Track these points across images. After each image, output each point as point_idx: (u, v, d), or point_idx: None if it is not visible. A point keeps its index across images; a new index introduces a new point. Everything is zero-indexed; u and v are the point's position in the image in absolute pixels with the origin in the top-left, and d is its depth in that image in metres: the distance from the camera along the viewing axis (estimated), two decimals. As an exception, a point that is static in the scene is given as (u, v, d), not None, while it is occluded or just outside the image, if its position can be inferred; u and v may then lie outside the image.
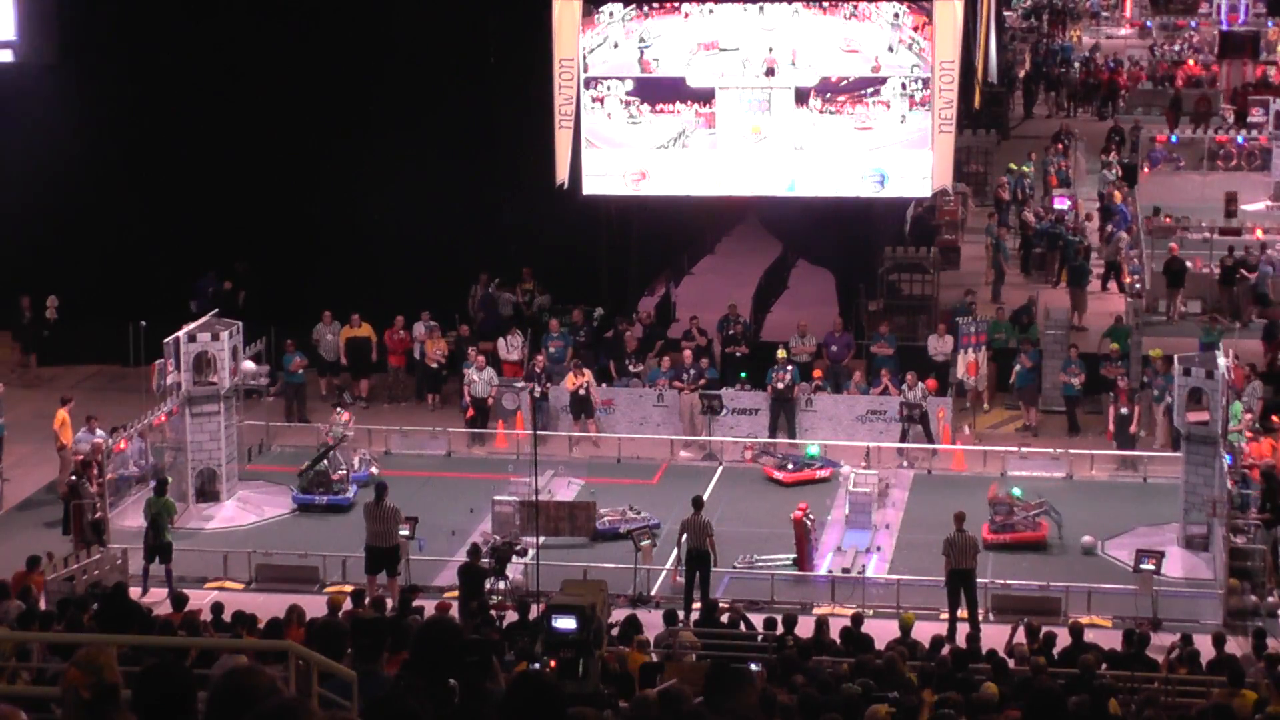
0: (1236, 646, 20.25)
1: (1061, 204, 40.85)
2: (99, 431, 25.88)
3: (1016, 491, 25.38)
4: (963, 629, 21.57)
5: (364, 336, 31.71)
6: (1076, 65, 61.71)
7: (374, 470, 27.54)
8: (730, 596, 22.58)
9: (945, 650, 18.56)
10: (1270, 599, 22.79)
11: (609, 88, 31.25)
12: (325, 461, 26.90)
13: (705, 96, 31.06)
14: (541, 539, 22.82)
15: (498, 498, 25.17)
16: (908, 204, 37.00)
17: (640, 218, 33.63)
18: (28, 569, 21.75)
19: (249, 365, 27.83)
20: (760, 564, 24.07)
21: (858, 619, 20.17)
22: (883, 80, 30.55)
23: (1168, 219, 39.36)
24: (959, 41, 30.93)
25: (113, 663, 6.14)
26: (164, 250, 33.81)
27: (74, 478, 24.64)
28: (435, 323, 31.77)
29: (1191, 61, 61.88)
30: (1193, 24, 72.27)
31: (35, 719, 10.70)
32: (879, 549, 24.93)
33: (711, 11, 31.01)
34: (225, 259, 33.49)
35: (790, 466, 27.81)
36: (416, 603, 20.14)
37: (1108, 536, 25.36)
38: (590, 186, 31.57)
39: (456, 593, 22.12)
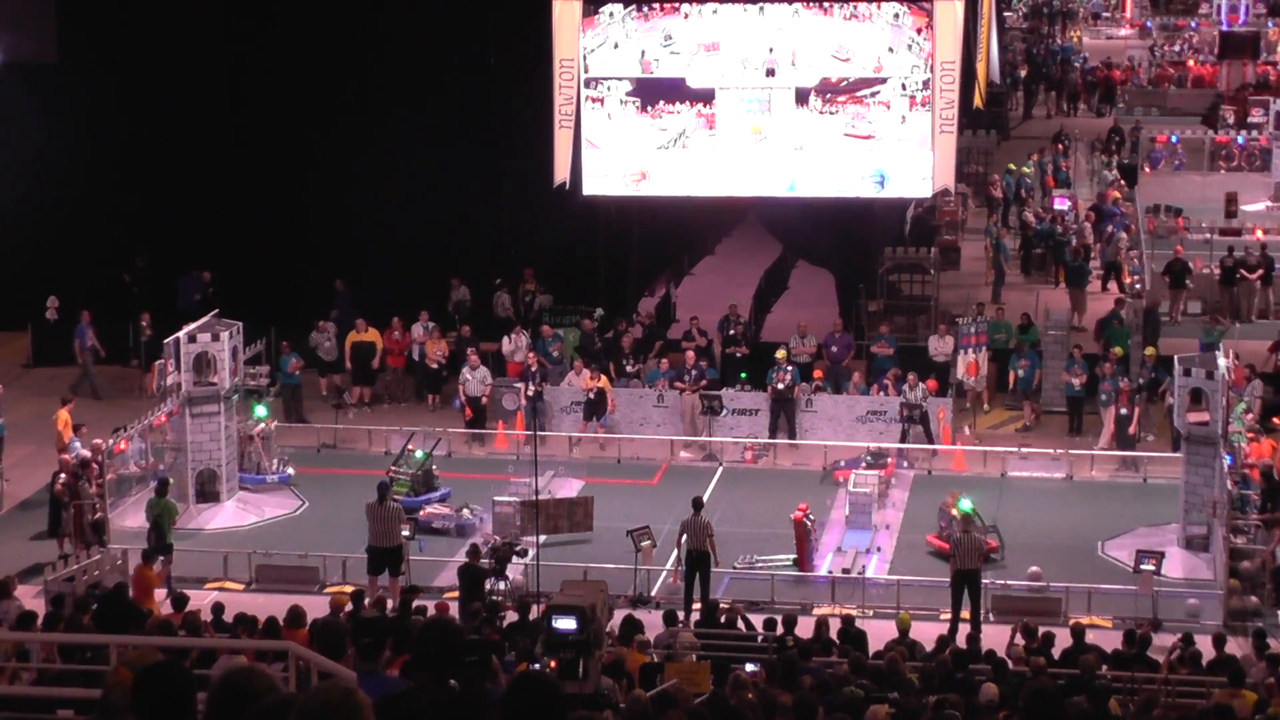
0: (1237, 647, 20.26)
1: (1062, 204, 40.88)
2: (78, 444, 25.78)
3: (966, 507, 24.44)
4: (963, 630, 21.55)
5: (369, 342, 31.63)
6: (1078, 64, 61.77)
7: (291, 471, 27.60)
8: (730, 597, 22.57)
9: (945, 651, 18.55)
10: (1254, 600, 22.76)
11: (609, 88, 31.27)
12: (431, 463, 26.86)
13: (705, 97, 31.08)
14: (543, 538, 22.82)
15: (498, 498, 25.16)
16: (908, 204, 37.02)
17: (640, 218, 33.64)
18: (145, 561, 21.80)
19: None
20: (760, 564, 24.07)
21: (848, 622, 20.20)
22: (883, 81, 30.57)
23: (1179, 220, 39.41)
24: (959, 42, 30.95)
25: None
26: (162, 250, 33.82)
27: (64, 477, 24.56)
28: (434, 323, 31.77)
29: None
30: (1193, 24, 72.29)
31: (36, 719, 10.72)
32: (879, 549, 24.92)
33: (714, 12, 31.03)
34: (223, 259, 33.48)
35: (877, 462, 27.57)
36: (417, 603, 20.13)
37: (1108, 537, 25.37)
38: (590, 186, 31.59)
39: (456, 593, 22.12)
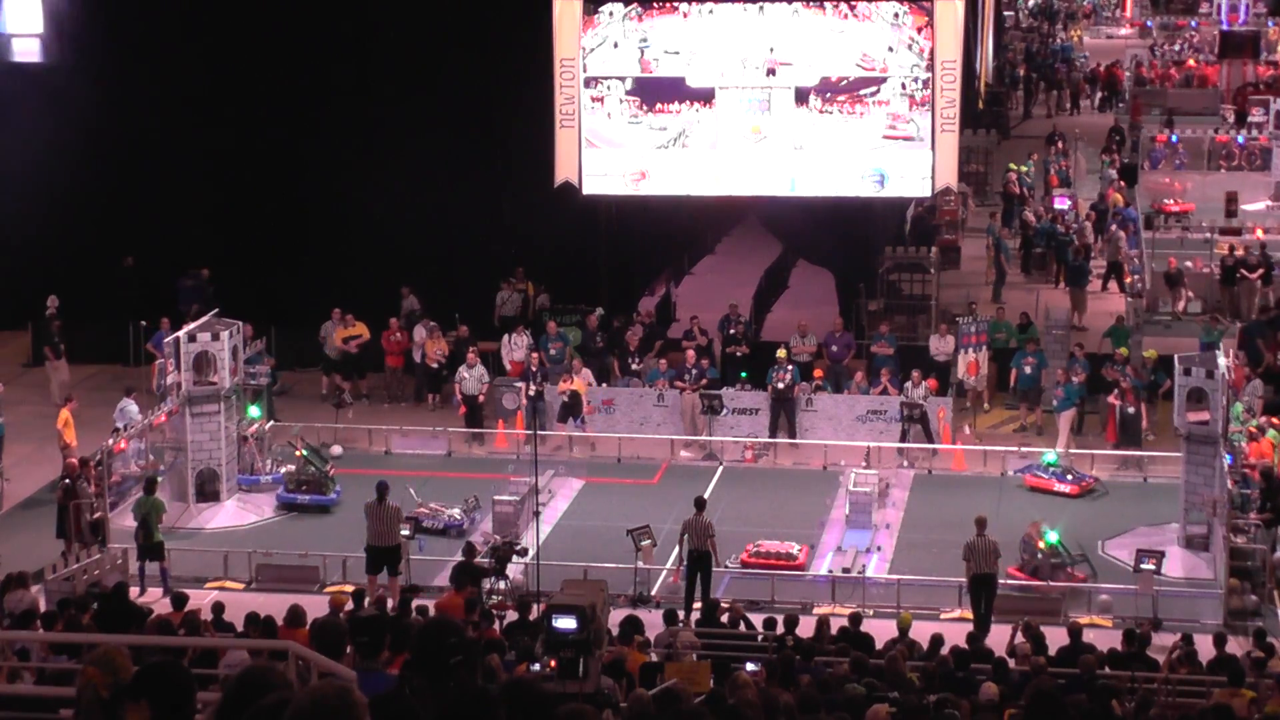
0: (1237, 646, 20.26)
1: (1062, 203, 40.87)
2: (134, 408, 25.81)
3: (1053, 539, 23.68)
4: (962, 629, 21.51)
5: (356, 334, 31.66)
6: (1079, 64, 61.85)
7: (284, 471, 27.59)
8: (730, 596, 22.56)
9: (939, 650, 18.56)
10: (1254, 599, 22.77)
11: (609, 88, 31.25)
12: (319, 458, 26.90)
13: (705, 96, 31.06)
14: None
15: (498, 498, 25.15)
16: (908, 204, 37.01)
17: (640, 218, 33.62)
18: (456, 588, 20.82)
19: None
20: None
21: (856, 619, 20.17)
22: (883, 80, 30.56)
23: (1171, 203, 39.68)
24: (960, 41, 30.96)
25: (128, 662, 6.17)
26: (162, 250, 33.81)
27: (66, 482, 24.55)
28: (435, 323, 31.71)
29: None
30: (1193, 24, 72.30)
31: (38, 719, 10.72)
32: (879, 549, 24.91)
33: (711, 12, 31.02)
34: (223, 259, 33.48)
35: (1070, 477, 27.25)
36: (417, 602, 20.14)
37: (1108, 536, 25.36)
38: (590, 186, 31.58)
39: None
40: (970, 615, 22.14)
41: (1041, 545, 23.48)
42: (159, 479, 24.96)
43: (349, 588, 21.84)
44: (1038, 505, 26.64)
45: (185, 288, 33.28)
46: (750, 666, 16.42)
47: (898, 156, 30.76)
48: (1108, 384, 29.14)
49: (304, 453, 26.99)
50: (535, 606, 19.52)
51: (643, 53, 31.14)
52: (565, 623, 12.21)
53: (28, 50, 34.79)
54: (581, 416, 29.29)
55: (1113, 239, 37.92)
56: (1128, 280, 36.55)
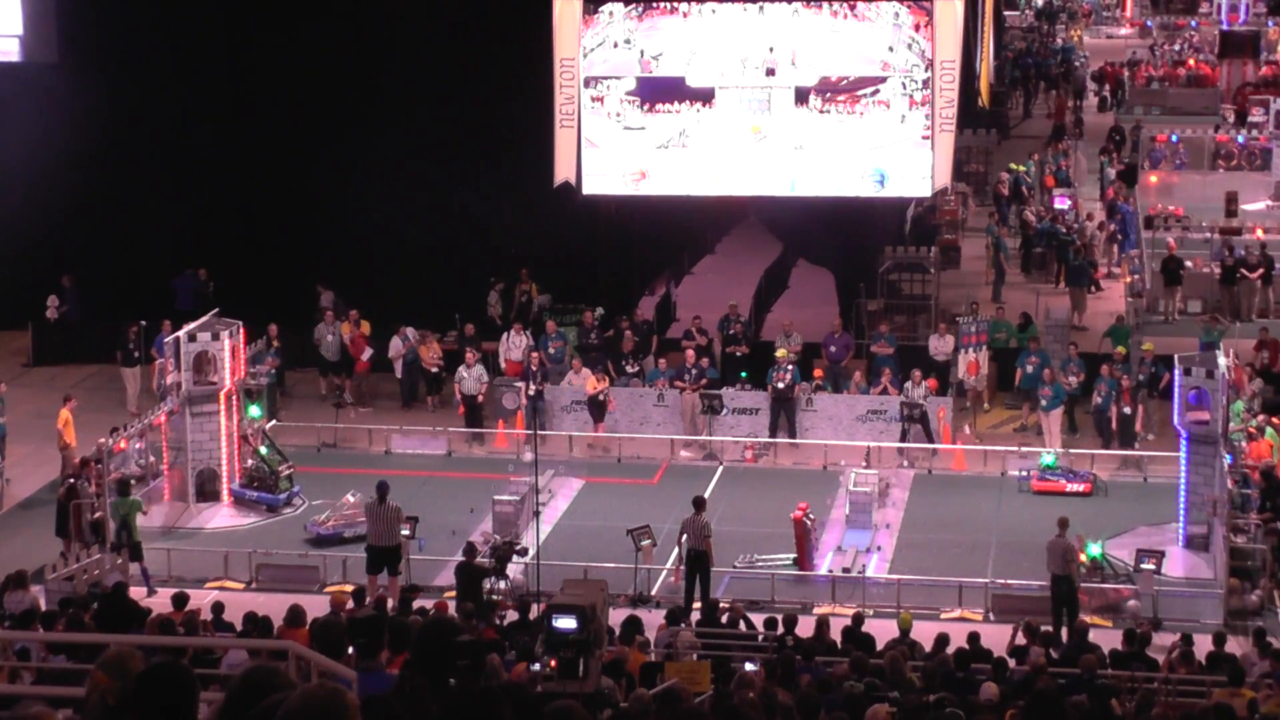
0: (1236, 646, 20.26)
1: (1062, 204, 40.88)
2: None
3: (1095, 552, 23.57)
4: (963, 629, 21.51)
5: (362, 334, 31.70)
6: (1078, 64, 61.86)
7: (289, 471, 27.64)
8: (730, 596, 22.56)
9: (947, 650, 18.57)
10: (1252, 597, 22.75)
11: (609, 87, 31.25)
12: (277, 457, 26.96)
13: (705, 96, 31.06)
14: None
15: (498, 498, 25.13)
16: (908, 204, 37.00)
17: (640, 218, 33.62)
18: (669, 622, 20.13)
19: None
20: (760, 564, 24.05)
21: (859, 619, 20.17)
22: (883, 80, 30.56)
23: (1175, 208, 39.78)
24: (959, 40, 30.96)
25: (140, 666, 6.15)
26: (162, 250, 33.82)
27: (70, 480, 24.54)
28: (418, 331, 31.40)
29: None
30: (1193, 24, 72.23)
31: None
32: (879, 549, 24.91)
33: (713, 11, 31.01)
34: (223, 259, 33.47)
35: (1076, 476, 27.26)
36: (417, 603, 20.14)
37: (1108, 536, 25.34)
38: (590, 186, 31.57)
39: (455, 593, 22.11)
40: (967, 615, 22.27)
41: (1084, 559, 23.26)
42: (132, 480, 24.93)
43: (349, 588, 21.86)
44: (1033, 502, 26.67)
45: (184, 289, 33.29)
46: (750, 666, 16.42)
47: (897, 156, 30.76)
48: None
49: (262, 449, 26.94)
50: (535, 606, 19.53)
51: (642, 53, 31.14)
52: (565, 623, 12.20)
53: (7, 50, 34.77)
54: (604, 416, 29.38)
55: (1090, 238, 37.92)
56: (1127, 279, 36.55)
